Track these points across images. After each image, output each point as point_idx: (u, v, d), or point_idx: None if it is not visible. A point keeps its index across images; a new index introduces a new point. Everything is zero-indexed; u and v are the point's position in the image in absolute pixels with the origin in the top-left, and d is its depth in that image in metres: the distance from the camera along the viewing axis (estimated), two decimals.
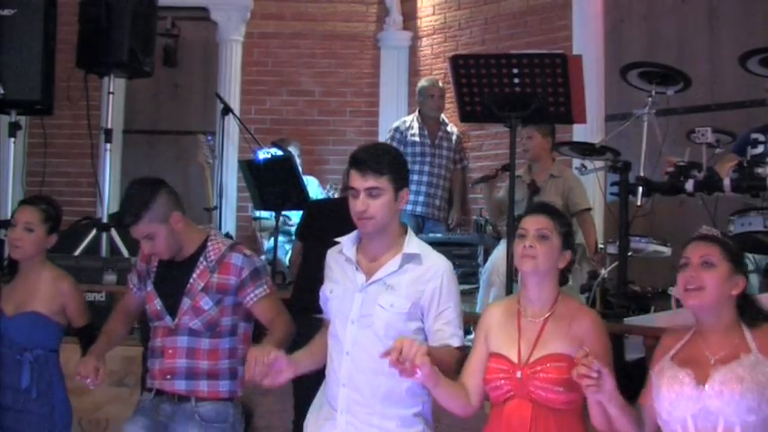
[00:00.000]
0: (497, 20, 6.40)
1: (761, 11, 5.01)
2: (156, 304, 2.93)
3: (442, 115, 6.35)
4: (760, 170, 3.44)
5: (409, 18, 7.07)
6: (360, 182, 2.53)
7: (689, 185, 3.64)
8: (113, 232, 5.21)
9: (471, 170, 6.51)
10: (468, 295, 5.11)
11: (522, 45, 6.01)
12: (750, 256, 4.13)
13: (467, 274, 5.37)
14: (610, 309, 3.70)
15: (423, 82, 6.38)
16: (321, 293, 2.69)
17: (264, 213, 5.93)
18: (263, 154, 5.60)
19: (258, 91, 7.11)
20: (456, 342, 2.54)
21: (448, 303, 2.55)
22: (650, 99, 3.92)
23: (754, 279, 4.14)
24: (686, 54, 5.24)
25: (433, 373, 2.30)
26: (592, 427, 2.37)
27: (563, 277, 2.53)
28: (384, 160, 2.55)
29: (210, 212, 5.80)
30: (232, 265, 2.90)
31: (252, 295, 2.90)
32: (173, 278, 2.94)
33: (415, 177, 6.20)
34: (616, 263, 3.85)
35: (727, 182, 3.53)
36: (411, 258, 2.56)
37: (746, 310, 2.26)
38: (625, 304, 3.71)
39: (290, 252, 5.61)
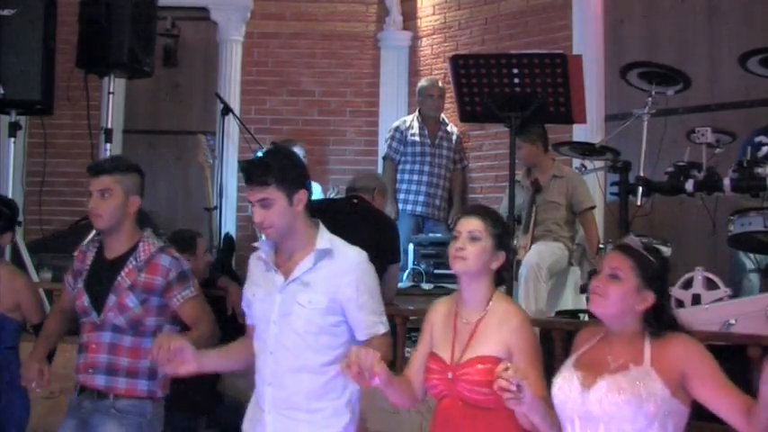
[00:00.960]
0: (497, 20, 6.40)
1: (761, 11, 5.02)
2: (84, 301, 2.97)
3: (442, 115, 6.35)
4: (760, 170, 3.45)
5: (409, 18, 7.07)
6: (251, 195, 2.60)
7: (689, 185, 3.64)
8: None
9: (471, 170, 6.51)
10: None
11: (522, 45, 6.01)
12: (750, 255, 4.14)
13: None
14: None
15: (422, 82, 6.38)
16: (244, 297, 2.75)
17: None
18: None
19: (258, 91, 7.11)
20: (382, 329, 2.63)
21: (366, 294, 2.61)
22: (650, 99, 3.92)
23: (755, 279, 4.15)
24: (686, 54, 5.24)
25: (387, 375, 2.35)
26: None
27: (499, 278, 2.57)
28: (269, 169, 2.57)
29: (210, 212, 5.80)
30: (160, 266, 2.94)
31: (178, 296, 2.94)
32: (103, 276, 2.98)
33: (415, 177, 6.21)
34: None
35: (727, 182, 3.53)
36: (324, 254, 2.61)
37: (653, 323, 2.26)
38: None
39: None
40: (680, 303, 3.56)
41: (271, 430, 2.61)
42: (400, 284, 5.06)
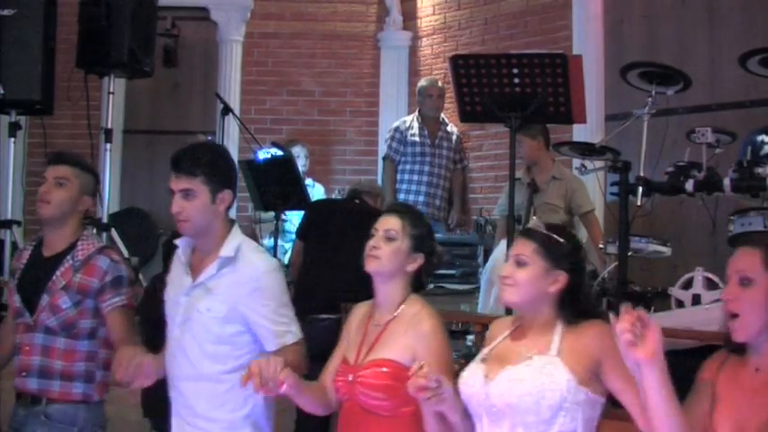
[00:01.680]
0: (497, 20, 6.40)
1: (761, 11, 5.01)
2: (16, 301, 2.85)
3: (442, 115, 6.35)
4: (760, 170, 3.44)
5: (409, 18, 7.07)
6: (174, 183, 2.50)
7: (689, 185, 3.63)
8: (113, 232, 5.21)
9: (471, 170, 6.51)
10: (468, 295, 5.12)
11: (522, 45, 6.00)
12: None
13: (467, 274, 5.37)
14: (610, 309, 3.70)
15: (422, 82, 6.38)
16: (165, 295, 2.66)
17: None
18: (263, 154, 5.60)
19: (258, 91, 7.11)
20: (291, 339, 2.51)
21: (270, 303, 2.50)
22: (650, 99, 3.92)
23: None
24: (686, 54, 5.23)
25: (296, 383, 2.27)
26: None
27: (417, 282, 2.48)
28: (200, 161, 2.49)
29: None
30: (97, 267, 2.81)
31: (108, 302, 2.80)
32: (37, 275, 2.85)
33: (415, 177, 6.21)
34: (616, 263, 3.84)
35: (727, 182, 3.52)
36: (227, 262, 2.50)
37: (568, 306, 2.16)
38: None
39: (288, 252, 5.61)
40: (680, 303, 3.56)
41: None
42: None
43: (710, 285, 3.55)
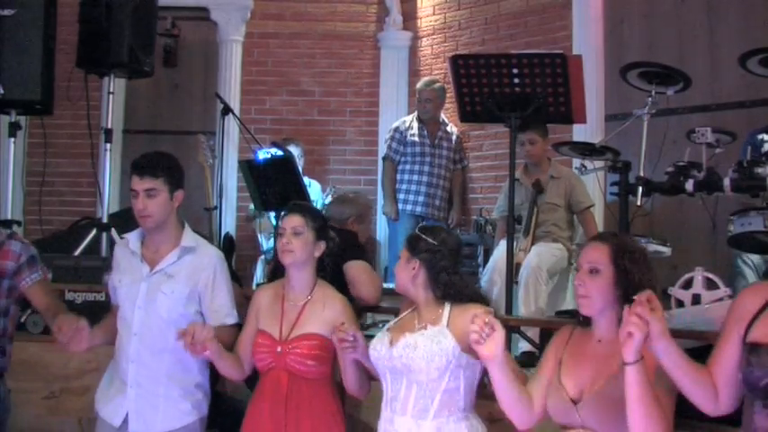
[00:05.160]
0: (497, 20, 6.40)
1: (761, 11, 5.01)
2: None
3: (442, 115, 6.35)
4: (760, 170, 3.44)
5: (409, 18, 7.08)
6: (139, 184, 2.94)
7: (689, 185, 3.63)
8: (113, 232, 5.21)
9: (471, 170, 6.51)
10: None
11: (522, 45, 6.01)
12: (749, 262, 4.15)
13: (466, 274, 5.37)
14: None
15: (418, 83, 6.38)
16: (110, 283, 3.10)
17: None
18: (262, 154, 5.59)
19: (258, 91, 7.11)
20: (231, 321, 3.03)
21: (221, 288, 3.01)
22: (650, 99, 3.92)
23: (753, 278, 4.14)
24: (686, 54, 5.24)
25: (218, 349, 2.79)
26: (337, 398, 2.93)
27: (321, 265, 3.00)
28: (160, 165, 2.97)
29: (210, 212, 5.80)
30: (11, 251, 3.09)
31: (27, 279, 3.10)
32: None
33: (415, 177, 6.21)
34: None
35: (727, 182, 3.52)
36: (188, 251, 3.00)
37: (437, 288, 2.67)
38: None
39: None
40: (680, 303, 3.55)
41: (133, 404, 2.93)
42: None
43: (710, 285, 3.54)
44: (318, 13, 7.21)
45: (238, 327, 3.05)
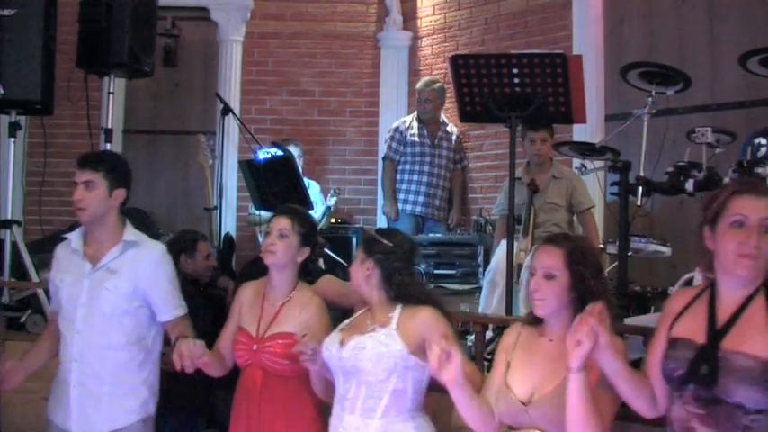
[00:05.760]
0: (497, 20, 6.40)
1: (761, 11, 5.01)
2: None
3: (442, 115, 6.35)
4: (760, 170, 3.44)
5: (409, 18, 7.07)
6: (78, 176, 2.94)
7: (689, 185, 3.64)
8: None
9: (471, 170, 6.51)
10: (468, 295, 5.11)
11: (522, 45, 6.01)
12: None
13: (467, 274, 5.37)
14: (609, 309, 3.69)
15: (418, 83, 6.38)
16: (51, 284, 3.05)
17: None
18: (263, 154, 5.60)
19: (258, 91, 7.11)
20: (181, 311, 3.01)
21: (165, 281, 2.99)
22: (650, 99, 3.92)
23: None
24: (686, 54, 5.23)
25: (210, 356, 2.82)
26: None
27: (305, 269, 3.05)
28: (102, 160, 3.01)
29: (210, 212, 5.81)
30: None
31: None
32: None
33: (415, 177, 6.21)
34: (616, 263, 3.84)
35: (727, 182, 3.52)
36: (130, 246, 2.98)
37: (391, 290, 2.71)
38: (625, 304, 3.70)
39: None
40: None
41: (76, 403, 2.89)
42: None
43: None
44: (318, 13, 7.21)
45: (188, 316, 3.07)
